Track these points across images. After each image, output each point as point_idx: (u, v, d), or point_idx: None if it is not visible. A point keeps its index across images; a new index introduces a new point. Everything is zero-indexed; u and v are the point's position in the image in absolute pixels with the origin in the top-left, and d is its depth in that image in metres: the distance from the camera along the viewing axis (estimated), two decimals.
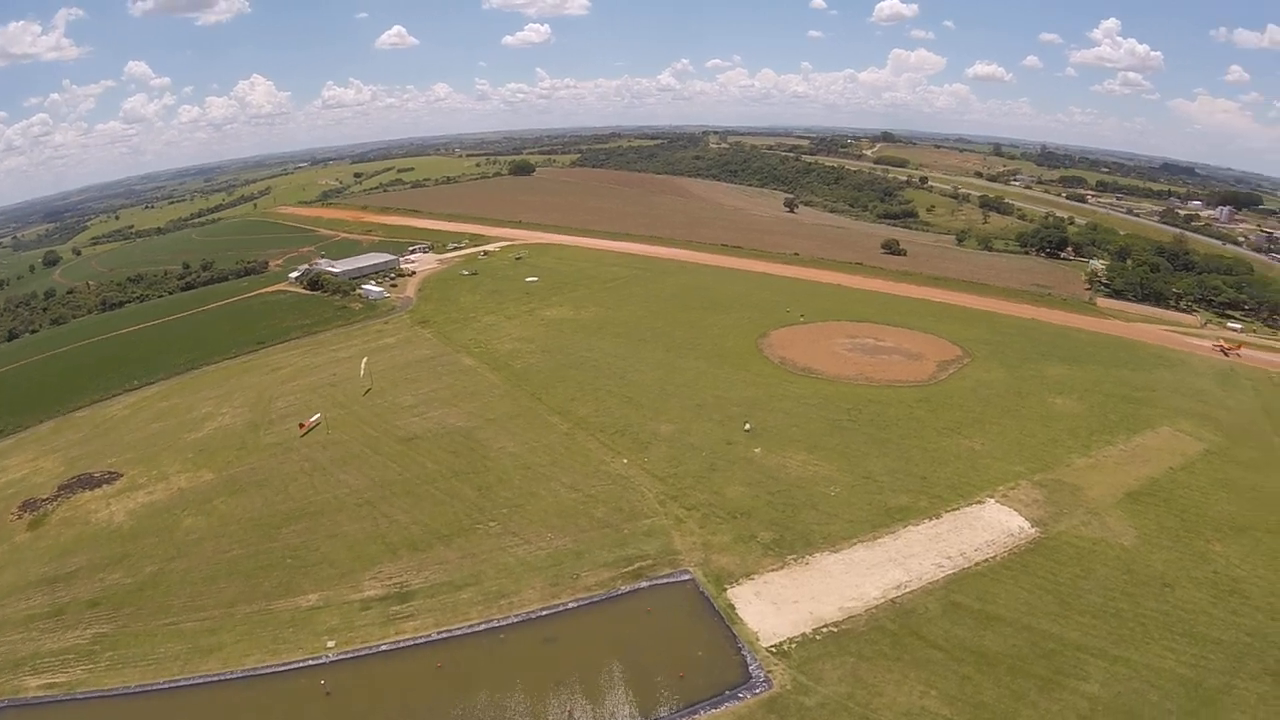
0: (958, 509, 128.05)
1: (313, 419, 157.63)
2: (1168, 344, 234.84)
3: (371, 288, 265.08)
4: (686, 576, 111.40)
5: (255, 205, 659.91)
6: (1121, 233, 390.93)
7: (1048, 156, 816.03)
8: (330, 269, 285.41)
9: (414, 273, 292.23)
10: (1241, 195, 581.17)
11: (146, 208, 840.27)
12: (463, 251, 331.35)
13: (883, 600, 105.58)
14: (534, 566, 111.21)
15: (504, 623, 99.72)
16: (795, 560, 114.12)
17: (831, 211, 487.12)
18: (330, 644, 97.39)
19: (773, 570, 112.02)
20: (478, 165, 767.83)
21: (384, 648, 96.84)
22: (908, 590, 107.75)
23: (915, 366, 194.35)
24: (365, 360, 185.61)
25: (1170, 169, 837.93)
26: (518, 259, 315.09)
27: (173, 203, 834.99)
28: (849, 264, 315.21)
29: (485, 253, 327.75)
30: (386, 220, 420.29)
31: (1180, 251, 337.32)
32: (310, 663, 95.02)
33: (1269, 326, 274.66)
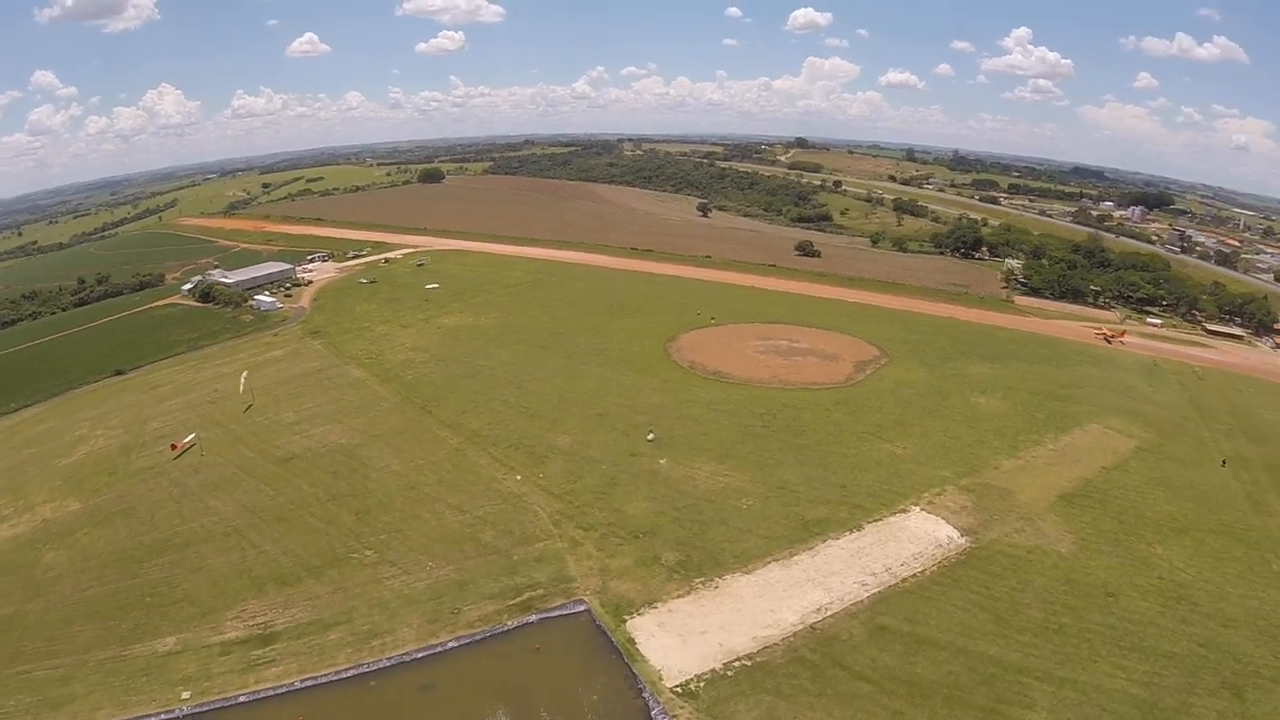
0: (881, 519, 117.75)
1: (186, 439, 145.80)
2: (1089, 340, 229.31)
3: (264, 298, 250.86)
4: (582, 607, 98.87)
5: (160, 218, 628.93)
6: (1035, 233, 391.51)
7: (960, 161, 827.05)
8: (223, 280, 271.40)
9: (310, 282, 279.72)
10: (1152, 196, 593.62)
11: (50, 223, 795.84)
12: (364, 259, 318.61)
13: (801, 627, 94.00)
14: (411, 600, 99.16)
15: (375, 667, 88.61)
16: (703, 584, 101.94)
17: (746, 216, 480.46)
18: (185, 695, 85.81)
19: (678, 596, 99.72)
20: (388, 174, 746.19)
21: (242, 699, 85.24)
22: (829, 614, 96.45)
23: (831, 368, 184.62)
24: (245, 374, 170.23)
25: (1081, 173, 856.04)
26: (420, 266, 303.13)
27: (77, 217, 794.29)
28: (762, 266, 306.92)
29: (387, 260, 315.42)
30: (289, 229, 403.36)
31: (1096, 249, 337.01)
32: (163, 717, 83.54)
33: (1187, 321, 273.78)
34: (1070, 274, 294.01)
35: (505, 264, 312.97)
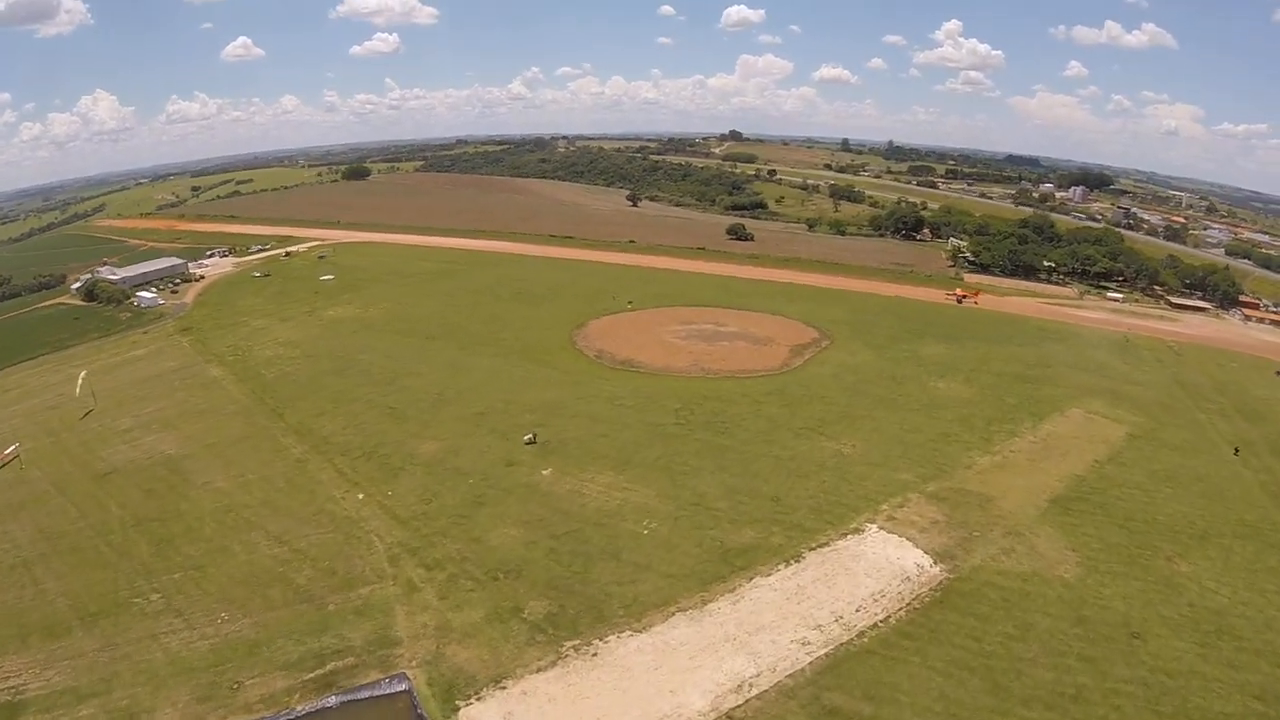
0: (827, 544, 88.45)
1: (8, 451, 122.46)
2: (1049, 316, 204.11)
3: (146, 295, 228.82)
4: (401, 686, 69.12)
5: (87, 222, 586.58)
6: (976, 214, 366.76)
7: (895, 151, 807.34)
8: (110, 277, 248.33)
9: (203, 278, 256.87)
10: (1092, 177, 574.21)
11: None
12: (266, 253, 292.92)
13: (715, 716, 62.03)
14: (187, 667, 71.88)
15: None
16: (577, 650, 71.53)
17: (678, 205, 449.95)
18: None
19: (540, 670, 69.54)
20: (319, 175, 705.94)
21: None
22: (755, 692, 66.92)
23: (764, 353, 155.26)
24: (83, 376, 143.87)
25: (1014, 161, 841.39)
26: (321, 258, 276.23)
27: (4, 223, 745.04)
28: (690, 249, 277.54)
29: (288, 254, 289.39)
30: (200, 227, 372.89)
31: (1045, 225, 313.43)
32: None
33: (1149, 296, 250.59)
34: (1022, 249, 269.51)
35: (414, 254, 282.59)
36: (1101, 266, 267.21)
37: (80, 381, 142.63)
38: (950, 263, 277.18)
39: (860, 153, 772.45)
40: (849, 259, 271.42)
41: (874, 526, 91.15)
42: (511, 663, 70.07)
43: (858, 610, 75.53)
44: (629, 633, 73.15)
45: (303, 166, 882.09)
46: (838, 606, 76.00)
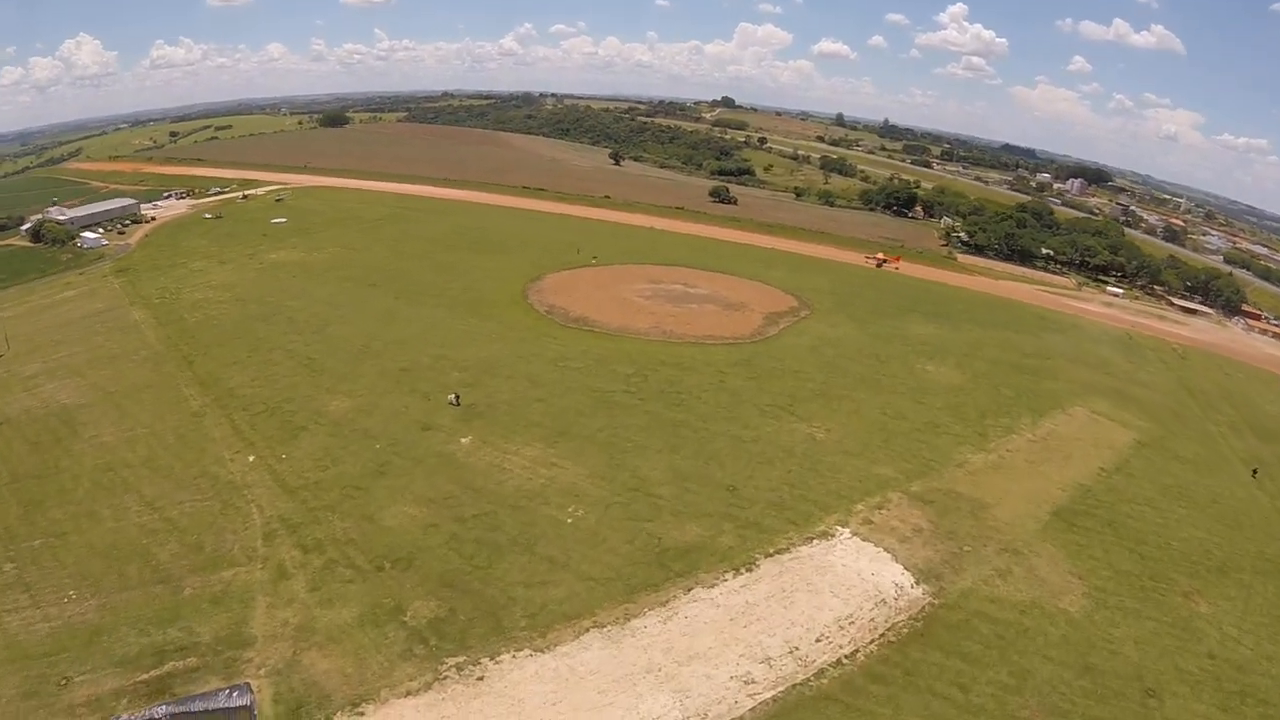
0: (788, 549, 73.16)
1: None
2: (1047, 305, 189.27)
3: (90, 235, 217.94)
4: (242, 700, 52.97)
5: (58, 166, 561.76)
6: (971, 196, 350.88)
7: (890, 130, 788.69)
8: (58, 218, 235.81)
9: (154, 219, 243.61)
10: (1090, 171, 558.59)
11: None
12: (223, 196, 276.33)
13: None
14: (22, 654, 58.11)
15: None
16: (460, 671, 56.36)
17: (662, 167, 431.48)
18: None
19: (410, 693, 54.49)
20: (300, 123, 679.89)
21: None
22: None
23: (735, 318, 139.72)
24: None
25: (1011, 150, 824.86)
26: (278, 200, 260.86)
27: None
28: (668, 209, 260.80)
29: (245, 196, 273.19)
30: (166, 170, 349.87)
31: (1044, 211, 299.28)
32: None
33: (1149, 295, 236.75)
34: (1020, 233, 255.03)
35: (374, 200, 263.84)
36: (1102, 259, 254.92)
37: None
38: (943, 242, 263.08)
39: (855, 128, 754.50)
40: (836, 230, 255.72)
41: (846, 531, 75.87)
42: (378, 680, 54.57)
43: (819, 640, 60.27)
44: (528, 652, 57.56)
45: (284, 114, 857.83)
46: (794, 634, 60.58)
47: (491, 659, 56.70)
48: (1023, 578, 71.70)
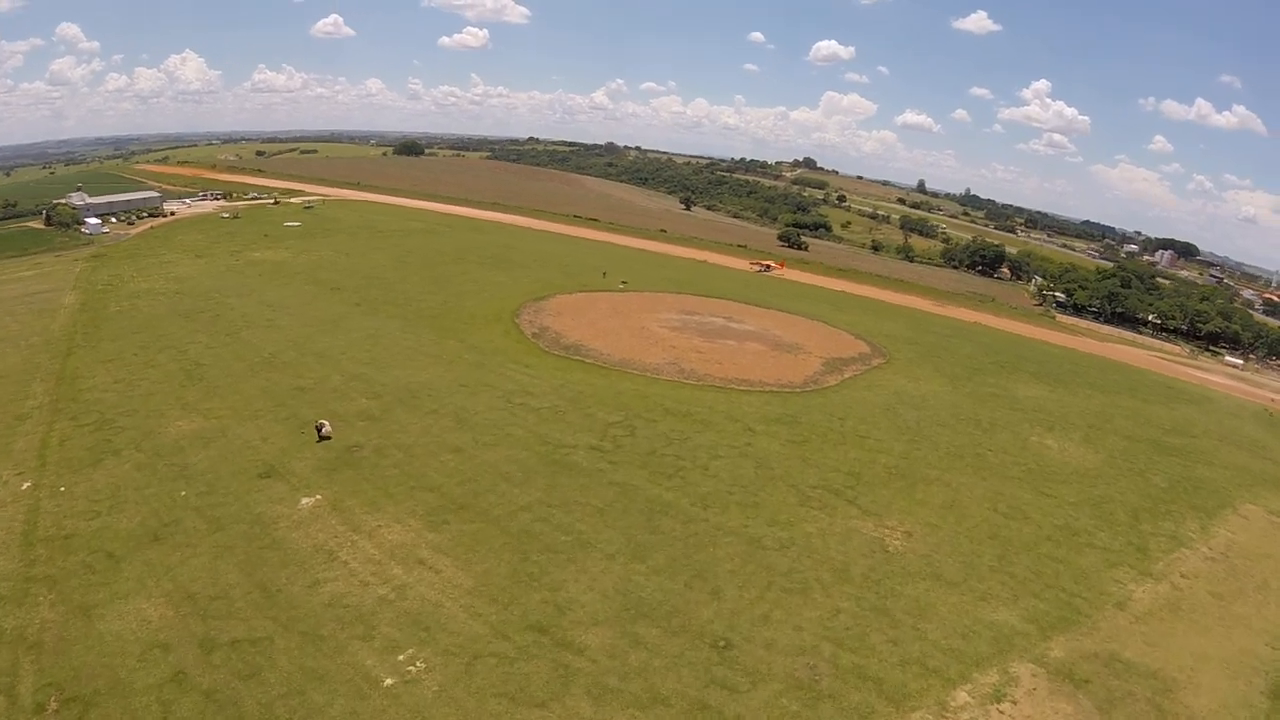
0: None
1: None
2: (1167, 371, 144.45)
3: (93, 221, 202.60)
4: None
5: (127, 163, 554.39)
6: (1058, 261, 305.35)
7: (972, 199, 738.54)
8: (74, 203, 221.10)
9: (173, 213, 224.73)
10: (1179, 244, 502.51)
11: (44, 167, 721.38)
12: (257, 201, 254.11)
13: None
14: None
15: None
16: None
17: (735, 217, 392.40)
18: None
19: None
20: (384, 154, 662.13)
21: None
22: None
23: (785, 361, 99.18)
24: None
25: (1091, 227, 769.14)
26: (307, 208, 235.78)
27: (71, 165, 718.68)
28: (728, 245, 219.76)
29: (276, 202, 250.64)
30: (224, 177, 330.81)
31: (1145, 274, 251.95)
32: None
33: (1269, 368, 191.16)
34: (1124, 293, 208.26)
35: (410, 216, 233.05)
36: (1215, 325, 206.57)
37: None
38: (1037, 302, 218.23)
39: (936, 196, 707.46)
40: (916, 280, 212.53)
41: None
42: None
43: None
44: None
45: (372, 145, 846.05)
46: None
47: None
48: None
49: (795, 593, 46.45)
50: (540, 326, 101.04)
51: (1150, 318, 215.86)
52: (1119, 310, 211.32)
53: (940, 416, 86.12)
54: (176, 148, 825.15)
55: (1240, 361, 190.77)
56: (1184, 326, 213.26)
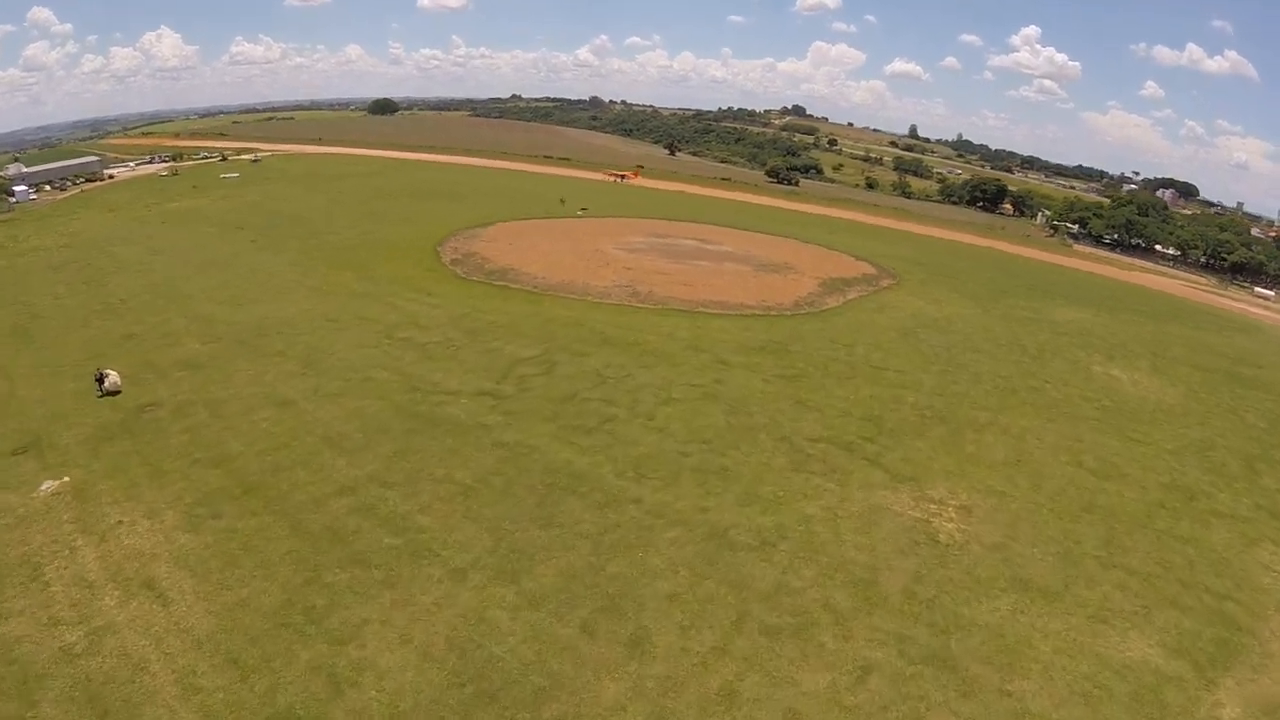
0: None
1: None
2: (1206, 301, 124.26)
3: (21, 188, 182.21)
4: None
5: (93, 141, 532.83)
6: (1059, 199, 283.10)
7: (964, 144, 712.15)
8: (7, 173, 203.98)
9: (112, 177, 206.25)
10: (1179, 183, 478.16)
11: (16, 156, 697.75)
12: (206, 161, 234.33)
13: None
14: None
15: None
16: None
17: (723, 162, 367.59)
18: None
19: None
20: (363, 118, 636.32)
21: None
22: None
23: (771, 282, 77.87)
24: None
25: (1084, 170, 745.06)
26: (254, 161, 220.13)
27: (41, 149, 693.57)
28: (712, 179, 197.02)
29: (224, 159, 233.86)
30: (186, 143, 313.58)
31: (1158, 205, 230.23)
32: None
33: None
34: (1144, 221, 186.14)
35: (364, 162, 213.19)
36: (1239, 256, 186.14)
37: None
38: (1048, 233, 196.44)
39: (928, 141, 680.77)
40: (917, 211, 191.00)
41: None
42: None
43: None
44: None
45: (353, 110, 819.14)
46: None
47: None
48: None
49: (786, 636, 25.09)
50: (464, 253, 79.25)
51: (1169, 250, 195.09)
52: (1136, 242, 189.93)
53: (974, 341, 64.74)
54: (156, 124, 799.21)
55: (1271, 293, 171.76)
56: (1204, 259, 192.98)
